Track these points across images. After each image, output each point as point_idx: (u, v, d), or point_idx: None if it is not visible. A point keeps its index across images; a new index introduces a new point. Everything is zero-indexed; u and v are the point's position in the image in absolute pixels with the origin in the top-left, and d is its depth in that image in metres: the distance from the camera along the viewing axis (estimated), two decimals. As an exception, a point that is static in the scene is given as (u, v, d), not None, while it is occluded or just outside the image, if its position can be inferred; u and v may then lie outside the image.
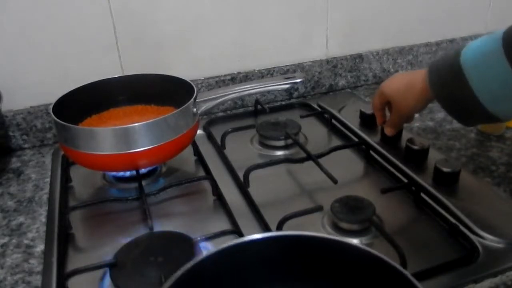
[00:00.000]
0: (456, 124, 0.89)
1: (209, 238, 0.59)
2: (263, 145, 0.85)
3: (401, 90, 0.73)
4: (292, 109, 1.00)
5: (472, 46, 0.63)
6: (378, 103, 0.79)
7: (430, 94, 0.67)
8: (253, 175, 0.71)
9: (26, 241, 0.64)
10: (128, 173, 0.76)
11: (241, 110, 1.00)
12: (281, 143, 0.84)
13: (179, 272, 0.40)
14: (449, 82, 0.63)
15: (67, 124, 0.66)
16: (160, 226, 0.65)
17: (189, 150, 0.78)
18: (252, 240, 0.44)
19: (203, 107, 0.76)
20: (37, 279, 0.57)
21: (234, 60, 0.98)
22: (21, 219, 0.68)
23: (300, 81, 0.82)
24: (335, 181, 0.68)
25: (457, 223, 0.62)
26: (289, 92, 1.04)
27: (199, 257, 0.41)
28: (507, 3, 1.18)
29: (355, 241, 0.61)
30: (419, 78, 0.69)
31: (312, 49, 1.04)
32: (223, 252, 0.42)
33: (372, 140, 0.82)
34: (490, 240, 0.59)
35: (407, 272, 0.38)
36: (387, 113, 0.81)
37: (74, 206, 0.68)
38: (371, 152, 0.80)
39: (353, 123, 0.89)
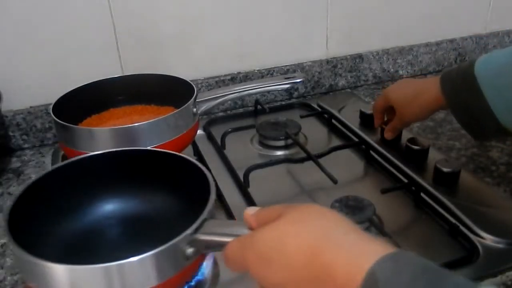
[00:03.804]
0: (456, 124, 0.89)
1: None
2: (263, 145, 0.85)
3: (408, 97, 0.73)
4: (292, 109, 1.00)
5: (486, 57, 0.63)
6: (380, 106, 0.79)
7: (442, 103, 0.67)
8: (253, 175, 0.71)
9: (26, 241, 0.64)
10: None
11: (241, 110, 1.00)
12: (281, 143, 0.84)
13: (21, 187, 0.50)
14: (463, 91, 0.63)
15: (67, 124, 0.66)
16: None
17: (189, 150, 0.78)
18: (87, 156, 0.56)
19: (203, 107, 0.76)
20: (37, 279, 0.57)
21: (234, 60, 0.98)
22: (21, 219, 0.68)
23: (300, 81, 0.82)
24: (335, 181, 0.68)
25: (457, 223, 0.62)
26: (289, 92, 1.04)
27: (38, 175, 0.52)
28: (507, 3, 1.18)
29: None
30: (430, 87, 0.68)
31: (312, 49, 1.04)
32: (62, 168, 0.54)
33: (372, 140, 0.82)
34: (490, 240, 0.59)
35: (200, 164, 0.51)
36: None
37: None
38: (371, 152, 0.80)
39: (353, 123, 0.89)
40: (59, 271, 0.40)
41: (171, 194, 0.55)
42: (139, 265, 0.40)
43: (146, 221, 0.55)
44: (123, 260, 0.40)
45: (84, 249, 0.52)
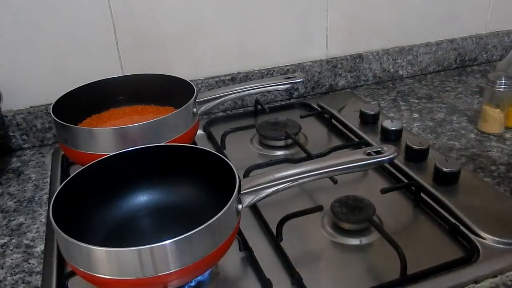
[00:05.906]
0: (456, 124, 0.89)
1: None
2: (263, 145, 0.85)
3: None
4: (292, 109, 1.00)
5: None
6: None
7: None
8: (253, 175, 0.71)
9: (26, 241, 0.64)
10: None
11: (241, 110, 1.00)
12: (281, 143, 0.84)
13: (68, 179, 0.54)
14: None
15: (67, 124, 0.66)
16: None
17: (189, 150, 0.78)
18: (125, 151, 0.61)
19: (203, 107, 0.76)
20: (37, 279, 0.57)
21: (234, 60, 0.98)
22: (21, 219, 0.68)
23: (300, 81, 0.82)
24: (335, 181, 0.67)
25: (457, 223, 0.62)
26: (289, 92, 1.04)
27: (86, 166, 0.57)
28: (507, 3, 1.18)
29: (355, 241, 0.61)
30: None
31: (312, 49, 1.04)
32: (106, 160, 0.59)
33: (372, 140, 0.82)
34: (490, 240, 0.59)
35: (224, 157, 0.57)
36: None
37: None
38: (371, 152, 0.80)
39: (353, 123, 0.89)
40: (99, 253, 0.45)
41: (196, 185, 0.62)
42: (212, 226, 0.47)
43: (174, 210, 0.61)
44: (201, 226, 0.46)
45: (122, 236, 0.58)
